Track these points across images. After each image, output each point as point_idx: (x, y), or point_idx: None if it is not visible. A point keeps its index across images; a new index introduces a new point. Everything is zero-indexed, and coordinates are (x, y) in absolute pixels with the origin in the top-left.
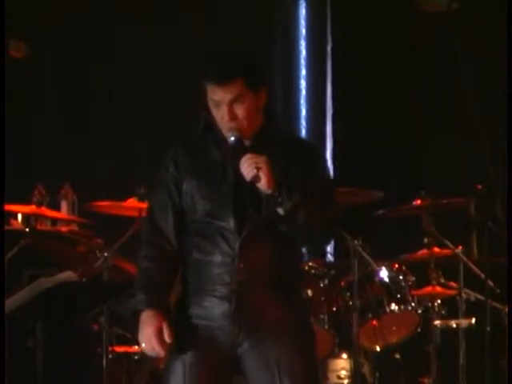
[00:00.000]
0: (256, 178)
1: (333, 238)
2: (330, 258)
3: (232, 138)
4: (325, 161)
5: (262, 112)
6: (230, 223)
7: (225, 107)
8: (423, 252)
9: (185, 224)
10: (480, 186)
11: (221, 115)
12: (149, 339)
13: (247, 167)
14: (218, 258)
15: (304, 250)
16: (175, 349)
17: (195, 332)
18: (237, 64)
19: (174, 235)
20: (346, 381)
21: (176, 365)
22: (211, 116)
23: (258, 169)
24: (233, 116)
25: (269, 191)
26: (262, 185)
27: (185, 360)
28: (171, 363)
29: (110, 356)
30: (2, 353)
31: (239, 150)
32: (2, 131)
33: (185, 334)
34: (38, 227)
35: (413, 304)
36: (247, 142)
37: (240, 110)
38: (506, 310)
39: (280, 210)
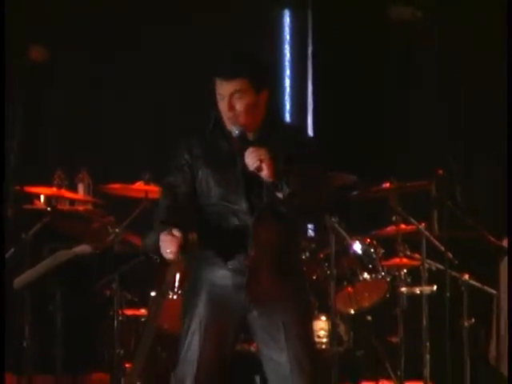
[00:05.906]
0: (259, 169)
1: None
2: (310, 233)
3: (236, 132)
4: (319, 149)
5: (263, 109)
6: (243, 206)
7: (226, 99)
8: (391, 228)
9: (198, 206)
10: (440, 171)
11: (223, 107)
12: (165, 244)
13: (251, 159)
14: (230, 234)
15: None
16: (192, 310)
17: (210, 296)
18: (244, 64)
19: (186, 200)
20: (324, 339)
21: (193, 326)
22: (219, 112)
23: (260, 160)
24: (231, 107)
25: (270, 180)
26: (265, 174)
27: (201, 322)
28: (189, 325)
29: (121, 318)
30: (2, 352)
31: (243, 141)
32: (2, 132)
33: (200, 296)
34: (58, 207)
35: (382, 273)
36: (250, 135)
37: (239, 104)
38: (463, 278)
39: (279, 195)
